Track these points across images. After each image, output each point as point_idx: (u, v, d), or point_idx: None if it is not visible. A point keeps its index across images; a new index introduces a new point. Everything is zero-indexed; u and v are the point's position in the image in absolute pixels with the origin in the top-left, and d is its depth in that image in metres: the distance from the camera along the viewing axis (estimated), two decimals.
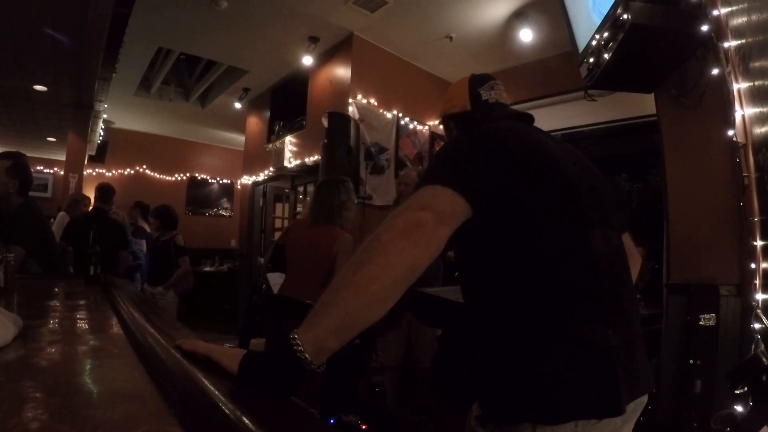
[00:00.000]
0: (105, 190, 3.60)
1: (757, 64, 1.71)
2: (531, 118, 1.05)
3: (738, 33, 1.81)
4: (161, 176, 7.81)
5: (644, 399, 0.86)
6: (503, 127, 0.92)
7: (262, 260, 5.50)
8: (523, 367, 0.79)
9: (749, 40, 1.75)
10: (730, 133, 1.83)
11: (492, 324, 0.85)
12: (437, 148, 4.73)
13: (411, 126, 4.52)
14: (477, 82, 1.12)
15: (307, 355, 0.63)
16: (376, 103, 4.25)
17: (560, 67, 3.94)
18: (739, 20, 1.80)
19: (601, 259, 0.84)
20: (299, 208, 5.19)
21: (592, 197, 0.89)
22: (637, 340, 0.86)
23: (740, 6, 1.80)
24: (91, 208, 3.96)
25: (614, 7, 1.89)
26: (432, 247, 0.72)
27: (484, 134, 0.88)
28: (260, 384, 0.61)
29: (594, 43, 2.12)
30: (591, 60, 2.18)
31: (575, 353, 0.77)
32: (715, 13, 1.85)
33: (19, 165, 2.20)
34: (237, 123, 6.73)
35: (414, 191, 0.79)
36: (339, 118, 3.68)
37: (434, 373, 2.68)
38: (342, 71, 4.29)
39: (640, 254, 1.15)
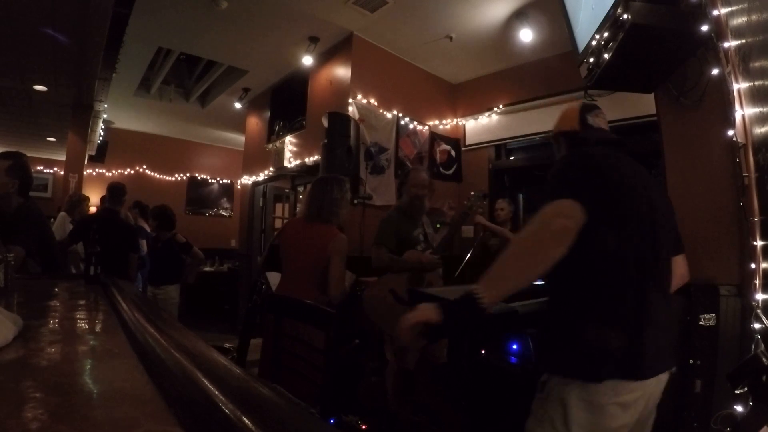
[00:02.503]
0: (114, 191, 3.52)
1: (757, 64, 1.71)
2: (624, 144, 1.33)
3: (738, 33, 1.80)
4: (161, 176, 7.81)
5: (665, 377, 1.13)
6: (601, 153, 1.22)
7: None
8: (579, 335, 1.08)
9: (749, 40, 1.75)
10: (730, 133, 1.83)
11: (561, 302, 1.17)
12: (437, 148, 4.74)
13: (411, 126, 4.52)
14: (586, 108, 1.40)
15: (483, 299, 0.97)
16: (376, 103, 4.25)
17: (560, 67, 3.94)
18: (739, 20, 1.80)
19: (647, 268, 1.11)
20: (299, 208, 5.20)
21: (652, 221, 1.15)
22: (665, 327, 1.13)
23: (740, 6, 1.80)
24: (98, 208, 3.94)
25: (614, 7, 1.88)
26: (569, 245, 1.00)
27: (588, 158, 1.19)
28: (455, 321, 1.00)
29: (594, 43, 2.11)
30: (591, 60, 2.17)
31: (615, 329, 1.05)
32: (715, 13, 1.84)
33: (19, 165, 2.20)
34: (237, 123, 6.73)
35: (549, 201, 1.05)
36: (339, 118, 3.68)
37: (440, 371, 2.67)
38: (342, 71, 4.29)
39: None
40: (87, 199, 4.47)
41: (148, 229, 4.47)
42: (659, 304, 1.13)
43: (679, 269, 1.32)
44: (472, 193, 2.61)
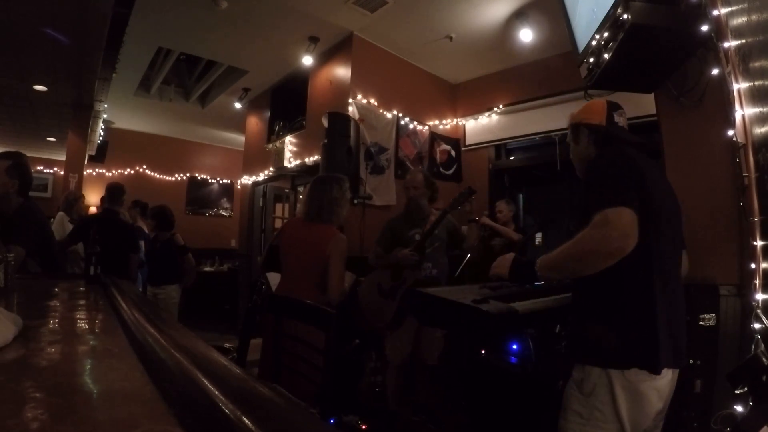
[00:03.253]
0: (113, 191, 3.52)
1: (757, 64, 1.71)
2: (644, 145, 1.39)
3: (738, 33, 1.80)
4: (161, 176, 7.81)
5: (675, 374, 1.24)
6: (632, 154, 1.27)
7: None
8: (614, 326, 1.19)
9: (749, 40, 1.75)
10: (730, 133, 1.83)
11: (590, 300, 1.27)
12: (437, 148, 4.74)
13: (411, 126, 4.52)
14: (613, 107, 1.43)
15: (538, 271, 1.25)
16: (376, 103, 4.25)
17: (560, 67, 3.94)
18: (739, 20, 1.80)
19: (665, 268, 1.22)
20: (298, 208, 5.19)
21: (669, 219, 1.26)
22: (681, 323, 1.25)
23: (740, 6, 1.79)
24: (98, 208, 3.93)
25: (614, 7, 1.88)
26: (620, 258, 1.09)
27: (627, 159, 1.25)
28: (517, 276, 1.34)
29: (594, 43, 2.11)
30: (591, 60, 2.17)
31: (637, 326, 1.17)
32: (715, 13, 1.84)
33: (19, 165, 2.20)
34: (237, 123, 6.73)
35: (598, 209, 1.11)
36: (339, 118, 3.68)
37: (439, 372, 2.69)
38: (342, 71, 4.29)
39: None
40: (82, 197, 4.46)
41: (146, 230, 4.47)
42: (680, 297, 1.26)
43: (684, 264, 1.41)
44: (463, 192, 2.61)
